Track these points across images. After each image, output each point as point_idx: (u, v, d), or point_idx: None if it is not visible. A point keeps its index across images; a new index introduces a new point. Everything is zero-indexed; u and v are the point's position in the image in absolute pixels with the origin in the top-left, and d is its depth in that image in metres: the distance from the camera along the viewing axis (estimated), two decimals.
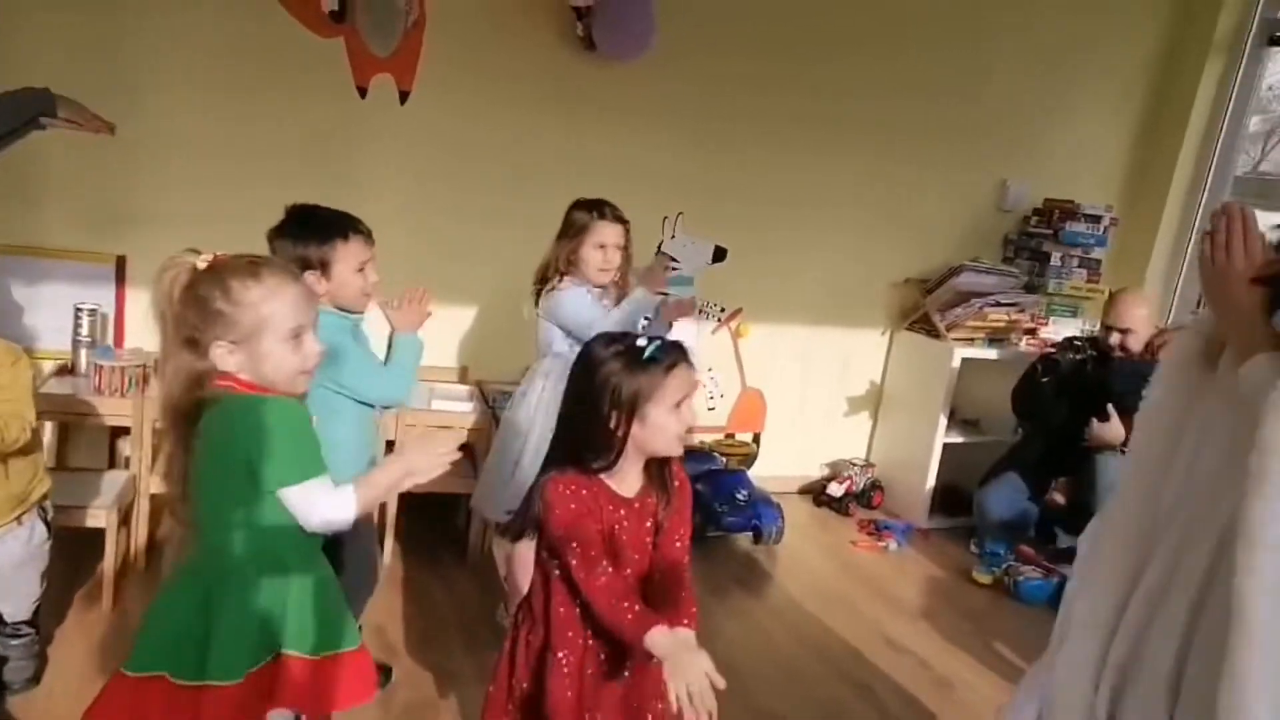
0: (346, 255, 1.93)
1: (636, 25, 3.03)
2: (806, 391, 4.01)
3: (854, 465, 4.05)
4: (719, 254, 3.64)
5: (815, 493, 4.07)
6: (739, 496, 3.40)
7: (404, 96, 3.08)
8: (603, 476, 1.52)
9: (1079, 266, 3.94)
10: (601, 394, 1.47)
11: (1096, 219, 3.89)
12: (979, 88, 3.84)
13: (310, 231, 1.92)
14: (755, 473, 3.90)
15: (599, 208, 2.47)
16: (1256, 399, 1.18)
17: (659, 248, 3.55)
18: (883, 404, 4.14)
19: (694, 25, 3.36)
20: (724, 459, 3.69)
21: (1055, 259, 3.90)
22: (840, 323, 3.97)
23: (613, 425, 1.47)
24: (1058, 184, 3.99)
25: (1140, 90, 4.07)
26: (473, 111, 3.21)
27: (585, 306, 2.45)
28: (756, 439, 3.98)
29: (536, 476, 1.56)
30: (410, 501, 2.98)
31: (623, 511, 1.53)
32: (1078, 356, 3.37)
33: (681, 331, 3.64)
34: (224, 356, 1.38)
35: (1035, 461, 3.50)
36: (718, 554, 3.40)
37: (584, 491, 1.50)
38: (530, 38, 3.20)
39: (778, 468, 4.03)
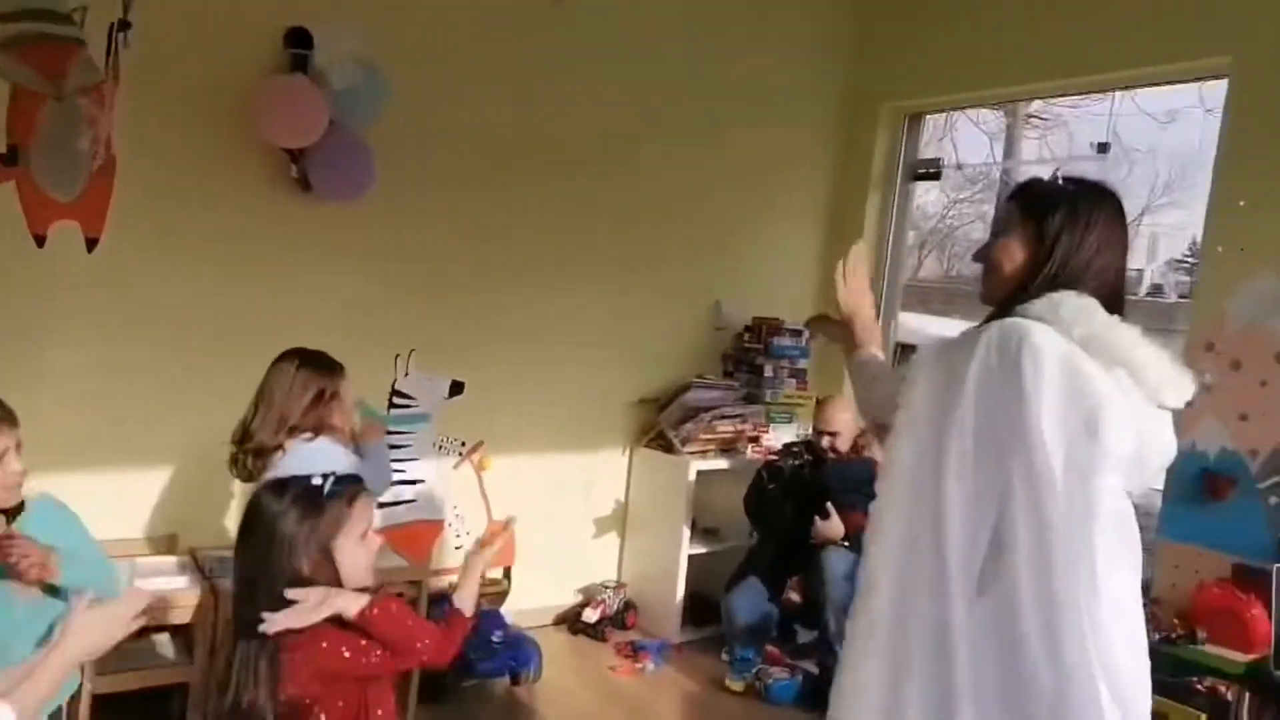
0: None
1: (353, 166, 3.01)
2: (554, 519, 4.00)
3: (606, 588, 4.06)
4: (455, 388, 3.60)
5: (570, 620, 4.02)
6: (494, 639, 3.28)
7: (91, 244, 2.81)
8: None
9: (789, 376, 4.33)
10: (286, 545, 1.45)
11: (799, 333, 4.32)
12: (688, 219, 4.19)
13: None
14: (509, 608, 3.80)
15: (333, 363, 2.44)
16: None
17: (393, 386, 3.46)
18: (628, 523, 4.22)
19: (413, 161, 3.39)
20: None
21: (768, 371, 4.26)
22: (581, 447, 4.04)
23: (308, 573, 1.46)
24: (763, 303, 4.40)
25: (822, 218, 4.63)
26: (177, 257, 3.00)
27: (347, 458, 2.33)
28: (508, 574, 3.89)
29: (240, 650, 1.47)
30: (106, 701, 2.56)
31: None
32: (796, 461, 3.67)
33: (423, 470, 3.55)
34: None
35: (770, 564, 3.70)
36: (474, 703, 3.23)
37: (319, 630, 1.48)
38: (240, 180, 3.07)
39: (531, 600, 3.94)
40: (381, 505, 3.45)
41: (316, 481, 1.49)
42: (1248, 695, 2.52)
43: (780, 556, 3.69)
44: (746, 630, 3.64)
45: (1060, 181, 1.61)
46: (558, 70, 3.75)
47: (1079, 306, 1.48)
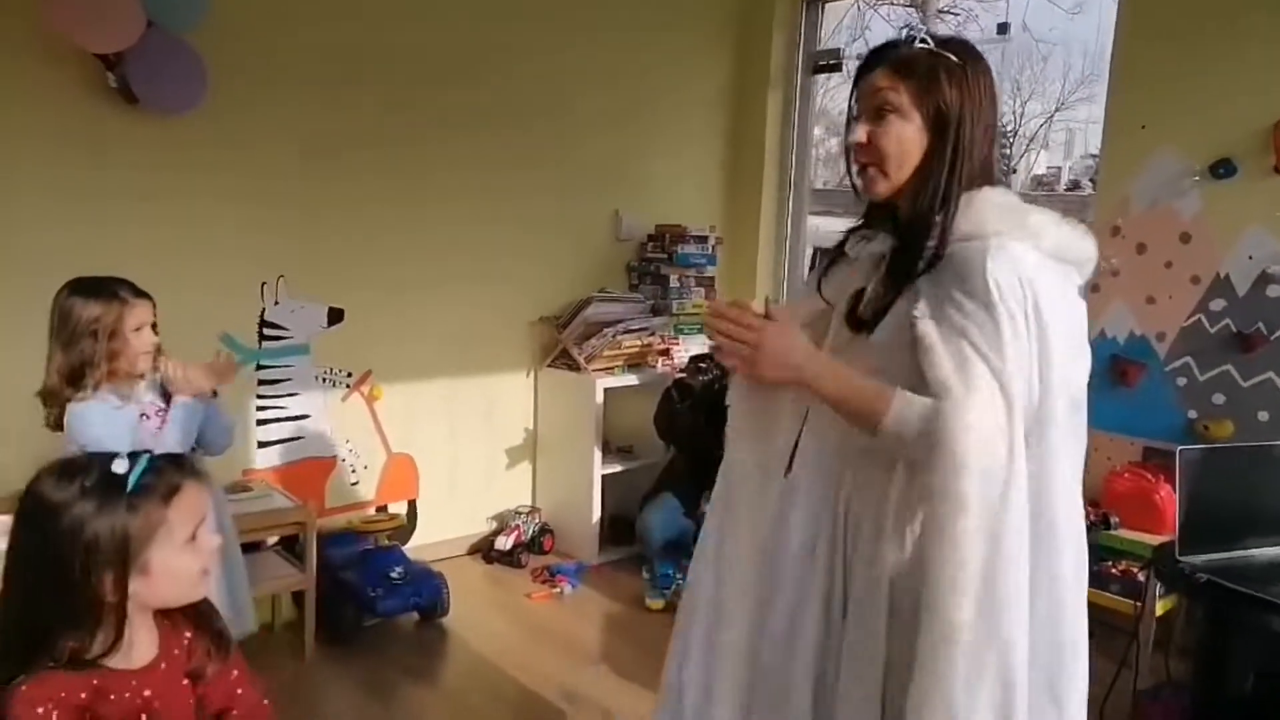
0: None
1: (180, 72, 2.65)
2: (459, 446, 3.81)
3: (519, 513, 3.91)
4: (334, 315, 3.34)
5: (485, 549, 3.87)
6: (393, 575, 3.10)
7: None
8: (103, 661, 1.12)
9: (697, 285, 4.15)
10: (72, 551, 1.07)
11: (704, 239, 4.13)
12: (580, 125, 3.91)
13: None
14: (419, 541, 3.66)
15: (120, 286, 2.04)
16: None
17: (262, 317, 3.18)
18: (538, 446, 4.05)
19: (257, 67, 3.02)
20: (373, 537, 3.37)
21: (674, 281, 4.07)
22: (481, 371, 3.83)
23: (101, 590, 1.09)
24: (665, 210, 4.19)
25: (720, 120, 4.39)
26: None
27: (128, 421, 1.98)
28: (412, 507, 3.71)
29: None
30: None
31: (148, 691, 1.15)
32: (704, 377, 3.52)
33: (307, 405, 3.31)
34: None
35: (685, 479, 3.60)
36: (381, 644, 3.07)
37: (81, 695, 1.09)
38: (48, 91, 2.67)
39: (443, 531, 3.78)
40: (263, 444, 3.23)
41: (119, 469, 1.11)
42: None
43: (694, 470, 3.59)
44: (663, 547, 3.55)
45: (932, 47, 1.33)
46: None
47: (1015, 208, 1.31)
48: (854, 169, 1.39)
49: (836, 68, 4.32)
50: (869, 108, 1.35)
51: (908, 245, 1.33)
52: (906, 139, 1.32)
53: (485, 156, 3.66)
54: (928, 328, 1.25)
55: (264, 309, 3.18)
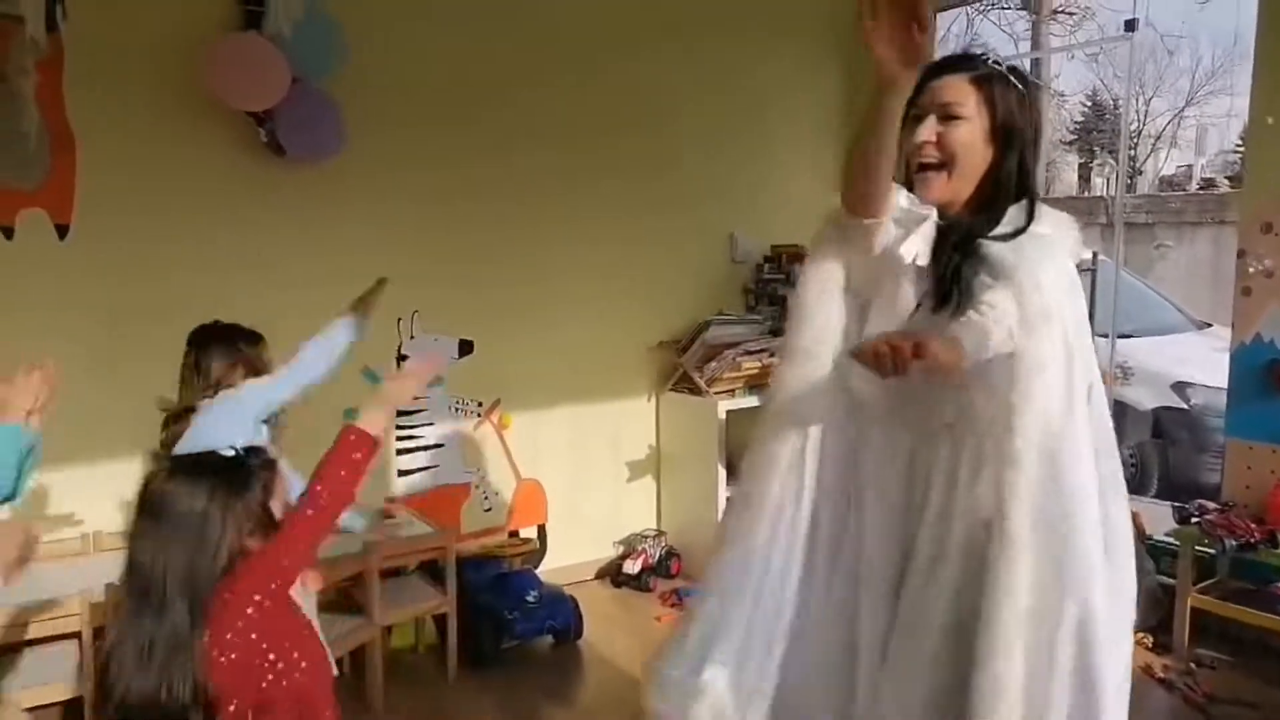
0: None
1: (322, 123, 2.83)
2: (584, 471, 3.88)
3: (646, 537, 3.94)
4: (465, 347, 3.47)
5: (613, 574, 3.92)
6: (529, 599, 3.17)
7: (62, 231, 2.69)
8: None
9: None
10: (223, 530, 1.32)
11: None
12: (694, 150, 3.96)
13: None
14: (548, 565, 3.72)
15: (245, 335, 2.15)
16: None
17: (399, 350, 3.33)
18: (662, 469, 4.08)
19: (387, 111, 3.19)
20: (507, 561, 3.46)
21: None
22: (604, 397, 3.89)
23: (253, 545, 1.37)
24: (780, 230, 4.17)
25: (830, 139, 4.34)
26: (151, 235, 2.85)
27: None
28: (541, 531, 3.79)
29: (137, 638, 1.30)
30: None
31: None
32: None
33: (441, 434, 3.44)
34: None
35: None
36: (518, 666, 3.14)
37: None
38: (209, 149, 2.90)
39: (571, 555, 3.85)
40: (403, 473, 3.37)
41: (227, 453, 1.41)
42: None
43: None
44: None
45: (1003, 69, 1.46)
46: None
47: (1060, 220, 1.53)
48: (914, 168, 1.45)
49: None
50: (936, 110, 1.41)
51: (966, 250, 1.42)
52: (973, 145, 1.40)
53: (600, 190, 3.74)
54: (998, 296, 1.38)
55: (400, 343, 3.33)
